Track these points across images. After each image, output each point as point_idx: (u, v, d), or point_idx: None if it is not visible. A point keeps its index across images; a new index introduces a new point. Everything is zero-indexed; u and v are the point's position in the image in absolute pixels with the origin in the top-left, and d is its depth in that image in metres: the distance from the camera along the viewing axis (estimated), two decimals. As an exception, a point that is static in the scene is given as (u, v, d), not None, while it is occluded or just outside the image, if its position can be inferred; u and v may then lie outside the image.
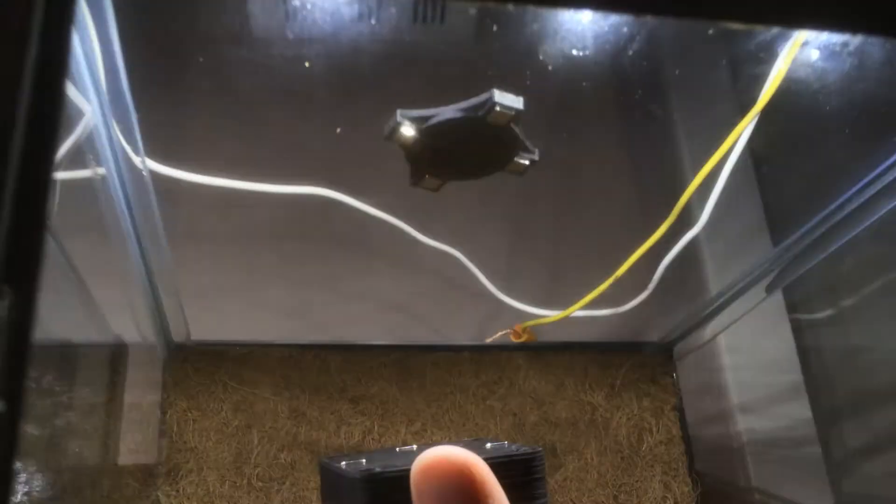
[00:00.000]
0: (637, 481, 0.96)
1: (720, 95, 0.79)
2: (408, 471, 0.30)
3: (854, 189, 0.71)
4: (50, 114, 0.28)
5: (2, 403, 0.23)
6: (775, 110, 0.67)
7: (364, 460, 0.36)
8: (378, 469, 0.32)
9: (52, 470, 0.79)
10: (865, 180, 0.69)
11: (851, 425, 1.16)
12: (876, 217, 0.72)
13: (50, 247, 0.63)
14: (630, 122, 1.05)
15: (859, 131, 0.73)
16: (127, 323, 0.86)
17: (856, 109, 0.65)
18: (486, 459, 0.30)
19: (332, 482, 0.38)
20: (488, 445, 0.39)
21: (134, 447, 0.89)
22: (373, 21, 0.45)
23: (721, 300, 0.96)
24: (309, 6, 0.43)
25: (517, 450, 0.35)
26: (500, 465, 0.31)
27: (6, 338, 0.24)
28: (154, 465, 0.89)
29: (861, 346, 1.18)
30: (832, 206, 0.74)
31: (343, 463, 0.37)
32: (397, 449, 0.41)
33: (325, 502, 0.40)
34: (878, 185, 0.69)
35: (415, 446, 0.51)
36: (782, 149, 1.11)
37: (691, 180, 0.75)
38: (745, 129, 0.66)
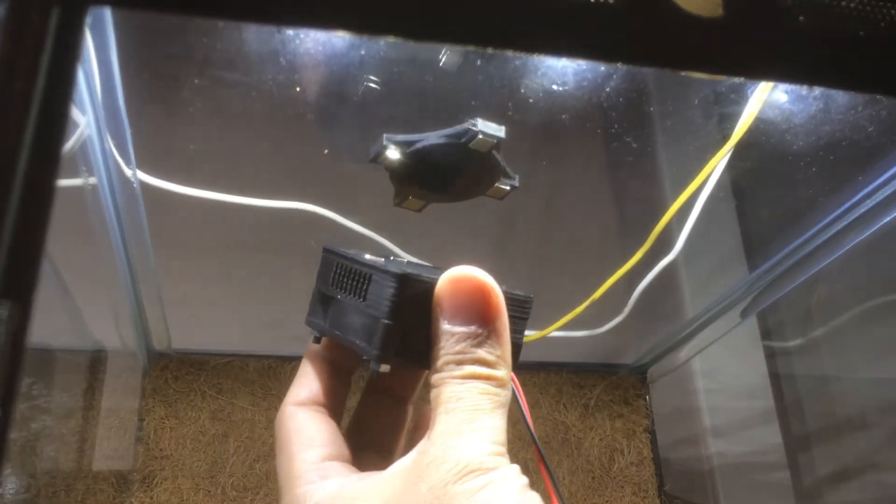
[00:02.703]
0: (607, 501, 0.98)
1: (698, 130, 0.82)
2: (434, 282, 0.36)
3: (824, 221, 0.74)
4: (53, 141, 0.29)
5: None
6: (752, 145, 0.69)
7: (384, 259, 0.41)
8: (414, 273, 0.36)
9: (28, 473, 0.79)
10: (835, 213, 0.72)
11: (821, 452, 1.18)
12: (844, 249, 0.75)
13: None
14: (612, 152, 1.08)
15: (830, 167, 0.75)
16: (108, 329, 0.87)
17: (825, 148, 0.68)
18: None
19: (347, 270, 0.41)
20: None
21: (110, 453, 0.90)
22: (362, 52, 0.47)
23: (696, 324, 0.98)
24: (302, 36, 0.45)
25: (516, 292, 0.42)
26: (504, 297, 0.37)
27: (3, 348, 0.26)
28: (129, 472, 0.90)
29: (832, 374, 1.20)
30: (805, 237, 0.77)
31: (371, 256, 0.41)
32: (390, 258, 0.44)
33: (331, 287, 0.43)
34: (847, 220, 0.71)
35: (412, 258, 0.56)
36: (760, 181, 1.14)
37: (670, 209, 0.77)
38: (718, 164, 0.68)
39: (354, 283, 0.41)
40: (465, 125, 0.53)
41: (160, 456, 0.91)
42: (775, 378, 1.21)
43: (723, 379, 1.18)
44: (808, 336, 1.22)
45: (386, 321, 0.37)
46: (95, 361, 0.90)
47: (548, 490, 0.40)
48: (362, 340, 0.40)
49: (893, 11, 0.42)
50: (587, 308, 0.91)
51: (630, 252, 0.86)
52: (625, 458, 1.01)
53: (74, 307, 0.78)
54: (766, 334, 1.22)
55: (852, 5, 0.42)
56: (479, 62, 0.51)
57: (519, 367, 1.03)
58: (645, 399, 1.04)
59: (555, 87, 0.57)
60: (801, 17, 0.41)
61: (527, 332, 0.97)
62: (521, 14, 0.38)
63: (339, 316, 0.44)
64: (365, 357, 0.39)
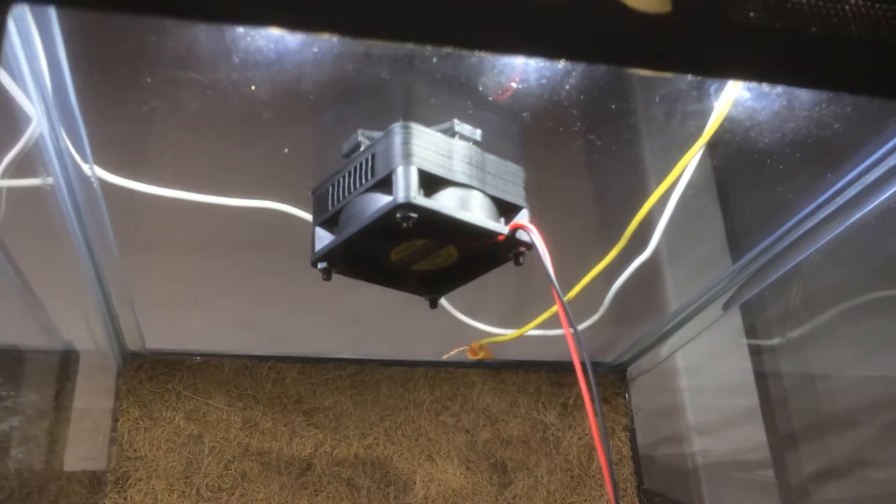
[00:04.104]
0: (585, 500, 0.97)
1: (676, 125, 0.82)
2: None
3: (806, 210, 0.73)
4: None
5: None
6: (734, 137, 0.69)
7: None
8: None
9: (-2, 475, 0.79)
10: (817, 202, 0.72)
11: (805, 450, 1.18)
12: (827, 239, 0.75)
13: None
14: (594, 150, 1.07)
15: (811, 158, 0.75)
16: (79, 330, 0.86)
17: (804, 138, 0.67)
18: None
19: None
20: None
21: (83, 454, 0.89)
22: (314, 49, 0.46)
23: (678, 318, 0.97)
24: (252, 33, 0.44)
25: None
26: None
27: None
28: (103, 473, 0.89)
29: (817, 372, 1.20)
30: (786, 226, 0.76)
31: None
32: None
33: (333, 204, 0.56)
34: (829, 209, 0.71)
35: None
36: (743, 174, 1.13)
37: (642, 207, 0.76)
38: (690, 162, 0.68)
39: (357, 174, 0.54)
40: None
41: (134, 457, 0.91)
42: (760, 375, 1.21)
43: (707, 377, 1.18)
44: (793, 333, 1.22)
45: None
46: (66, 362, 0.89)
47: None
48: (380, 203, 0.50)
49: (846, 7, 0.41)
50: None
51: (609, 251, 0.86)
52: (604, 457, 1.00)
53: (41, 308, 0.77)
54: (750, 332, 1.22)
55: (804, 1, 0.41)
56: (435, 59, 0.50)
57: (497, 365, 1.03)
58: (624, 397, 1.04)
59: (528, 83, 0.56)
60: (751, 14, 0.40)
61: (504, 332, 0.98)
62: (470, 13, 0.37)
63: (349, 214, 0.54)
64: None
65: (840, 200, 0.70)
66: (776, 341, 1.25)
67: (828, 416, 1.16)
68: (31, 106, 0.51)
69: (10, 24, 0.38)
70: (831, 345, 1.18)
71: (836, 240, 0.75)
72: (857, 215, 0.70)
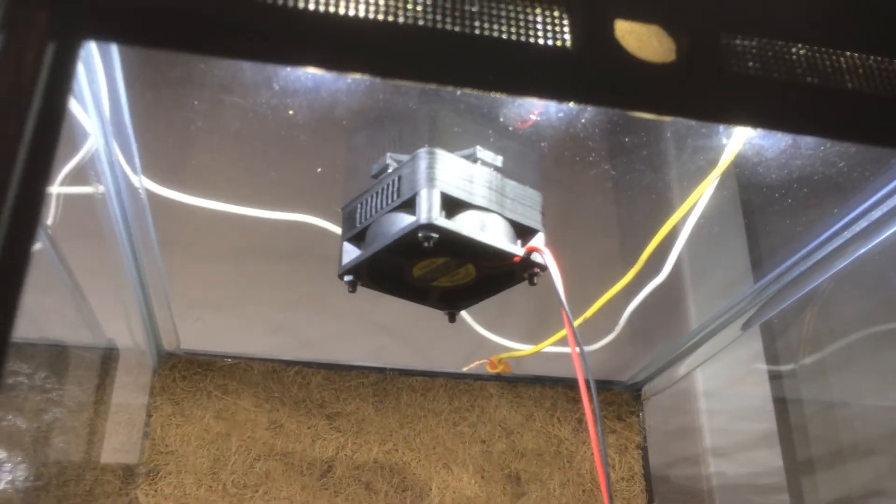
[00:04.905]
0: (596, 515, 1.00)
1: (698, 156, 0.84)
2: None
3: (829, 232, 0.75)
4: (46, 156, 0.33)
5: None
6: (759, 162, 0.72)
7: None
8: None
9: (39, 462, 0.84)
10: (840, 224, 0.73)
11: (822, 477, 1.19)
12: (849, 260, 0.76)
13: (49, 255, 0.68)
14: (620, 176, 1.10)
15: (831, 185, 0.77)
16: (120, 329, 0.91)
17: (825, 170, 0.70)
18: None
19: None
20: None
21: (118, 447, 0.94)
22: (348, 80, 0.50)
23: (697, 338, 0.99)
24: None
25: None
26: None
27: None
28: (135, 465, 0.94)
29: (838, 400, 1.21)
30: (809, 247, 0.78)
31: None
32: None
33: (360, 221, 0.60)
34: (853, 231, 0.72)
35: None
36: (769, 199, 1.15)
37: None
38: (704, 192, 0.71)
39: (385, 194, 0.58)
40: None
41: (165, 451, 0.95)
42: (779, 400, 1.22)
43: (725, 400, 1.20)
44: (812, 359, 1.23)
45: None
46: (107, 359, 0.95)
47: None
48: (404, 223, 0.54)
49: (841, 60, 0.44)
50: (583, 326, 0.93)
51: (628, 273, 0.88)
52: (616, 473, 1.03)
53: (88, 307, 0.82)
54: (770, 356, 1.23)
55: (802, 52, 0.44)
56: (459, 92, 0.54)
57: (515, 379, 1.05)
58: (638, 416, 1.06)
59: (560, 113, 0.60)
60: (750, 64, 0.43)
61: (522, 347, 1.02)
62: (485, 57, 0.41)
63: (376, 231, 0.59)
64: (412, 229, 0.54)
65: (866, 221, 0.71)
66: (795, 367, 1.26)
67: (846, 445, 1.17)
68: (90, 123, 0.56)
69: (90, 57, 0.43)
70: (851, 373, 1.19)
71: (855, 266, 0.77)
72: (886, 234, 0.71)
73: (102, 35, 0.37)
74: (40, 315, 0.74)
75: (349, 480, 0.97)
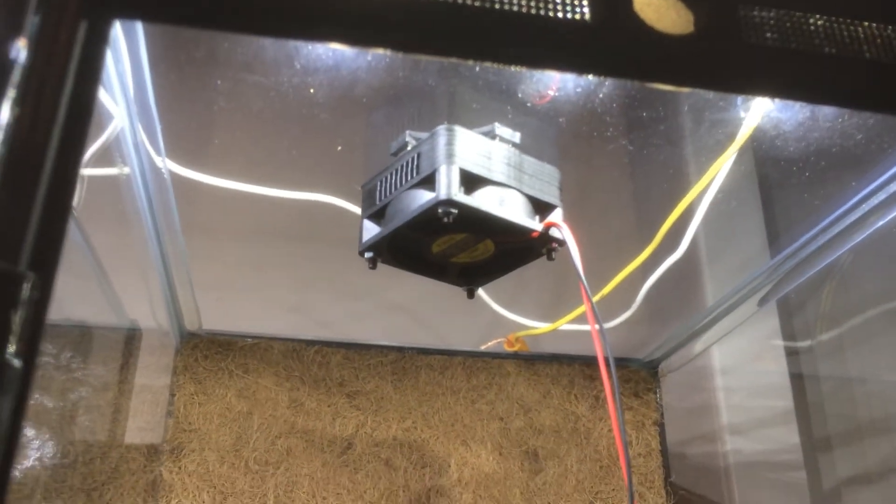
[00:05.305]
0: (613, 490, 1.01)
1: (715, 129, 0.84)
2: None
3: (845, 207, 0.75)
4: (78, 137, 0.34)
5: (19, 361, 0.29)
6: (777, 136, 0.72)
7: None
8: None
9: (66, 440, 0.86)
10: (857, 197, 0.73)
11: (839, 454, 1.19)
12: (866, 234, 0.76)
13: (74, 236, 0.70)
14: (637, 151, 1.10)
15: (849, 158, 0.77)
16: (143, 310, 0.93)
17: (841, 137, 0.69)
18: None
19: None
20: None
21: (142, 425, 0.96)
22: (368, 58, 0.51)
23: (713, 314, 0.99)
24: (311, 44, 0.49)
25: None
26: None
27: (28, 313, 0.30)
28: (159, 443, 0.96)
29: (856, 376, 1.21)
30: (825, 222, 0.78)
31: None
32: None
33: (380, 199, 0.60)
34: (870, 204, 0.72)
35: None
36: (786, 173, 1.14)
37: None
38: (721, 167, 0.71)
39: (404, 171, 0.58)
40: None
41: (188, 429, 0.97)
42: (796, 377, 1.22)
43: (742, 377, 1.20)
44: (830, 336, 1.23)
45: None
46: (131, 339, 0.96)
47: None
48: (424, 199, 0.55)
49: (860, 30, 0.45)
50: (600, 303, 0.94)
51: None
52: (633, 449, 1.04)
53: (111, 288, 0.84)
54: (787, 333, 1.23)
55: (819, 23, 0.44)
56: (477, 68, 0.55)
57: (532, 357, 1.06)
58: (655, 393, 1.07)
59: (578, 88, 0.61)
60: (767, 35, 0.43)
61: (539, 325, 1.03)
62: (505, 30, 0.41)
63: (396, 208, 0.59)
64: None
65: (884, 194, 0.70)
66: (812, 343, 1.26)
67: (863, 421, 1.17)
68: (114, 104, 0.57)
69: (114, 38, 0.44)
70: (869, 349, 1.19)
71: (874, 240, 0.76)
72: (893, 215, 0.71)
73: (131, 13, 0.37)
74: (64, 296, 0.75)
75: (369, 457, 0.98)
